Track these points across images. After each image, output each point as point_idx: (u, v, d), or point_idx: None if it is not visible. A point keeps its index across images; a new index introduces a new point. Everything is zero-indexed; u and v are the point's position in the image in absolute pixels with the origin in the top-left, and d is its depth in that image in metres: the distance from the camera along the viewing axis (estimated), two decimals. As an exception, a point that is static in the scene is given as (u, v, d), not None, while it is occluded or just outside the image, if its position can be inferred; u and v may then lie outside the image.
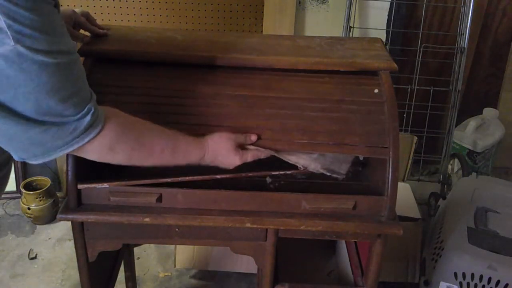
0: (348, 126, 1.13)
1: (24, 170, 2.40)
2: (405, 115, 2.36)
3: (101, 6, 2.28)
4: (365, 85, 1.18)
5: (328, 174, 1.19)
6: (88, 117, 0.86)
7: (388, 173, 1.11)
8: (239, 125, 1.12)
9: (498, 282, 1.59)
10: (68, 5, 2.26)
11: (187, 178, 1.11)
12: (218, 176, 1.15)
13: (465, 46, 2.23)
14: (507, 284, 1.58)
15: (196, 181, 1.15)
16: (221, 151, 1.07)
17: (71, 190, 1.10)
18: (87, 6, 2.27)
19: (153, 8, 2.30)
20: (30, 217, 2.25)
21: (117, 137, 0.92)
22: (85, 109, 0.85)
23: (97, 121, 0.88)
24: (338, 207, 1.13)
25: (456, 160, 2.45)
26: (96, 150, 0.91)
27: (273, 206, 1.13)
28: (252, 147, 1.10)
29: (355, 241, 1.45)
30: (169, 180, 1.10)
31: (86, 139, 0.87)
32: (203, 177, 1.13)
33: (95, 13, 2.29)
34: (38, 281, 1.97)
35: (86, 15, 1.24)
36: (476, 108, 2.64)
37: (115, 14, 2.30)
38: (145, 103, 1.25)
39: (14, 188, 2.40)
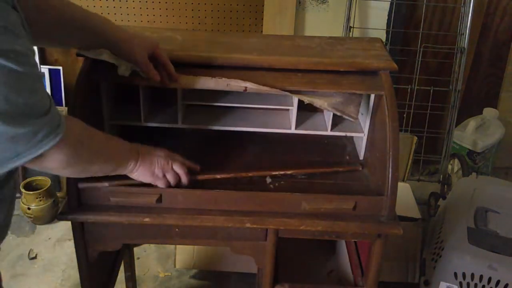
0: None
1: (24, 170, 2.40)
2: (405, 115, 2.36)
3: (101, 6, 2.28)
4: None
5: (338, 114, 1.21)
6: (44, 130, 0.79)
7: (388, 173, 1.11)
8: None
9: (498, 282, 1.59)
10: (68, 5, 2.26)
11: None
12: (218, 176, 1.16)
13: (465, 46, 2.23)
14: (507, 284, 1.58)
15: (196, 181, 1.15)
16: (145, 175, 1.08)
17: (71, 190, 1.10)
18: (87, 6, 2.27)
19: (153, 8, 2.31)
20: (30, 217, 2.25)
21: (73, 152, 0.89)
22: (40, 120, 0.79)
23: (56, 132, 0.82)
24: (338, 207, 1.13)
25: (456, 160, 2.45)
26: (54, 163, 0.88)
27: (273, 206, 1.13)
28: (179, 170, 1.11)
29: (355, 241, 1.45)
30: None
31: (40, 150, 0.81)
32: (204, 176, 1.13)
33: (95, 13, 2.29)
34: (38, 281, 1.97)
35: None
36: (476, 108, 2.64)
37: (115, 14, 2.30)
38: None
39: (14, 188, 2.39)
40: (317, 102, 1.18)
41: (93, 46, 1.07)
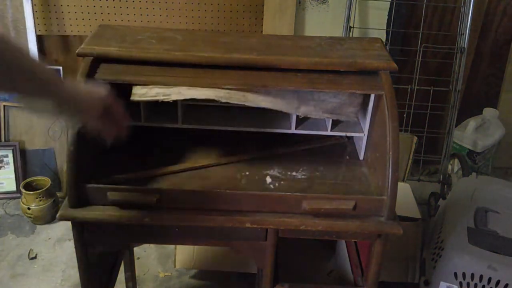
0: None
1: (24, 170, 2.40)
2: (405, 115, 2.36)
3: (101, 6, 2.28)
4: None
5: (335, 118, 1.23)
6: None
7: (388, 173, 1.11)
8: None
9: (498, 282, 1.59)
10: (68, 5, 2.26)
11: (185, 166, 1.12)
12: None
13: (465, 46, 2.23)
14: (507, 284, 1.58)
15: (196, 180, 1.15)
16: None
17: (71, 189, 1.10)
18: (87, 6, 2.27)
19: (153, 8, 2.30)
20: (30, 217, 2.25)
21: None
22: None
23: None
24: (338, 207, 1.13)
25: (456, 160, 2.45)
26: None
27: (273, 206, 1.13)
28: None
29: (355, 241, 1.45)
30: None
31: None
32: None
33: (95, 13, 2.29)
34: (38, 281, 1.97)
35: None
36: (476, 108, 2.64)
37: (115, 14, 2.30)
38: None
39: (14, 188, 2.39)
40: (312, 113, 1.19)
41: (40, 99, 0.90)
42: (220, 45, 1.24)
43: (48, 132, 2.38)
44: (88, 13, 2.28)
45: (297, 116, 1.26)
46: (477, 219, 1.77)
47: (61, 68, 2.37)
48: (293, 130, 1.30)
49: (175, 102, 1.21)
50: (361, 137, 1.31)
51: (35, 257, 2.09)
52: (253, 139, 1.35)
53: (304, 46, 1.28)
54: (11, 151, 2.35)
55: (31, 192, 2.20)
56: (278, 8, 2.29)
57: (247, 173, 1.23)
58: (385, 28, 2.37)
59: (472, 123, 2.52)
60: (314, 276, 1.60)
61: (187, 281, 2.00)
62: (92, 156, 1.19)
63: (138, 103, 1.22)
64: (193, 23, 2.34)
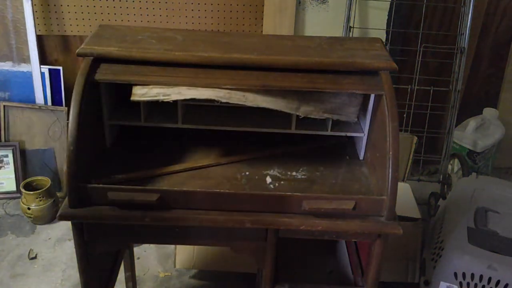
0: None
1: (24, 170, 2.40)
2: (405, 115, 2.36)
3: (101, 6, 2.28)
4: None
5: (335, 118, 1.23)
6: None
7: (388, 173, 1.11)
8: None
9: (498, 282, 1.59)
10: (68, 5, 2.26)
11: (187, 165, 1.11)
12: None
13: (465, 46, 2.23)
14: (507, 284, 1.58)
15: (196, 180, 1.15)
16: None
17: (71, 189, 1.10)
18: (87, 6, 2.27)
19: (153, 8, 2.31)
20: (30, 217, 2.25)
21: None
22: None
23: None
24: (338, 207, 1.13)
25: (456, 160, 2.45)
26: None
27: (273, 206, 1.13)
28: None
29: (355, 241, 1.45)
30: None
31: None
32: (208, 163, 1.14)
33: (95, 13, 2.29)
34: (38, 281, 1.97)
35: None
36: (476, 108, 2.64)
37: (115, 14, 2.30)
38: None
39: (14, 188, 2.40)
40: (313, 112, 1.19)
41: None
42: (220, 45, 1.24)
43: (48, 132, 2.38)
44: (88, 13, 2.28)
45: (297, 116, 1.26)
46: (477, 219, 1.77)
47: (61, 68, 2.37)
48: (293, 130, 1.30)
49: (175, 102, 1.21)
50: (361, 137, 1.31)
51: (35, 257, 2.09)
52: (253, 139, 1.35)
53: (304, 46, 1.28)
54: (11, 151, 2.36)
55: (31, 192, 2.20)
56: (278, 8, 2.29)
57: (247, 173, 1.23)
58: (385, 28, 2.37)
59: (472, 123, 2.52)
60: (314, 276, 1.60)
61: (187, 281, 2.00)
62: (92, 156, 1.19)
63: (138, 103, 1.22)
64: (193, 23, 2.34)
